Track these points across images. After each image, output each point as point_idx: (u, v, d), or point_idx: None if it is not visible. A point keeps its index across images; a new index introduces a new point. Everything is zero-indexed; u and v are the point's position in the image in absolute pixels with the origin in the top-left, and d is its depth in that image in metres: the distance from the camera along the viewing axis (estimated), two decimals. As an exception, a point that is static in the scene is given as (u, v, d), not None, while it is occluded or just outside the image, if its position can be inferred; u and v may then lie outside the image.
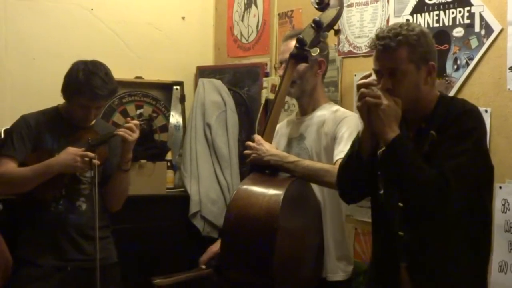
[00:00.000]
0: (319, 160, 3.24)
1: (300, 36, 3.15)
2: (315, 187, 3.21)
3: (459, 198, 2.44)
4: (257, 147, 3.11)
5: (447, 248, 2.53)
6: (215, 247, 3.42)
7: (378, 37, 2.54)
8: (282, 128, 3.49)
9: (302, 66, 3.26)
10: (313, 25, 3.14)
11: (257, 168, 3.09)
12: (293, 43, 3.26)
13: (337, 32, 3.20)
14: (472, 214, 2.54)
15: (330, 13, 3.14)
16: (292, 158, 3.11)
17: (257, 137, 3.16)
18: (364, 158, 2.62)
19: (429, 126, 2.54)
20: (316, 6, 3.17)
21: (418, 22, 3.43)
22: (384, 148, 2.50)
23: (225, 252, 2.88)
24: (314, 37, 3.15)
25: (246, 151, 3.16)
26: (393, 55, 2.50)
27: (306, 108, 3.38)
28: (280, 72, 3.35)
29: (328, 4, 3.13)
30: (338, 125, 3.23)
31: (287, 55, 3.27)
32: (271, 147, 3.14)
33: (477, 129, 2.50)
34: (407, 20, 3.48)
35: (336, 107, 3.40)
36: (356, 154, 2.64)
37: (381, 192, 2.66)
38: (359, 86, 2.52)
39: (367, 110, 2.50)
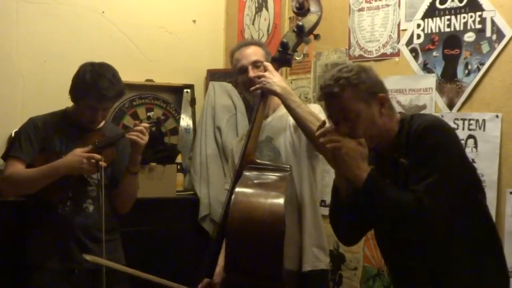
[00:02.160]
0: (293, 152, 3.29)
1: (284, 40, 3.19)
2: (298, 184, 3.26)
3: (445, 214, 2.43)
4: (268, 76, 3.13)
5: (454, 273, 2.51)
6: (215, 277, 3.36)
7: (322, 87, 2.59)
8: (242, 139, 3.48)
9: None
10: (295, 29, 3.18)
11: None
12: (249, 50, 3.33)
13: (317, 37, 3.21)
14: (468, 220, 2.52)
15: (312, 18, 3.17)
16: (296, 97, 3.13)
17: (269, 66, 3.18)
18: (346, 203, 2.65)
19: (400, 155, 2.54)
20: (296, 11, 3.21)
21: (429, 27, 3.43)
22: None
23: (230, 256, 2.86)
24: (297, 42, 3.19)
25: (256, 79, 3.18)
26: (340, 99, 2.52)
27: (267, 112, 3.36)
28: (252, 73, 3.30)
29: (308, 10, 3.17)
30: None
31: (252, 58, 3.31)
32: (281, 80, 3.17)
33: (440, 142, 2.45)
34: (418, 25, 3.48)
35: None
36: (339, 203, 2.69)
37: None
38: (317, 137, 2.56)
39: (333, 157, 2.52)
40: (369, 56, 3.83)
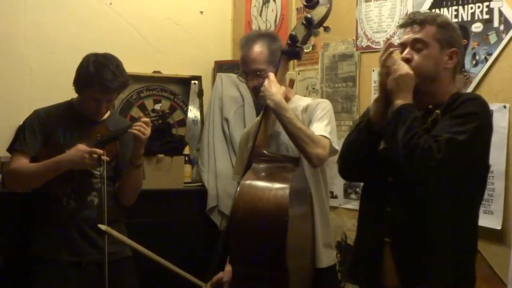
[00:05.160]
0: (296, 150, 3.27)
1: (293, 33, 3.17)
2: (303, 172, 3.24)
3: (446, 185, 2.50)
4: (265, 87, 3.13)
5: (431, 232, 2.55)
6: (224, 276, 3.34)
7: (412, 14, 2.71)
8: (250, 132, 3.50)
9: (270, 71, 3.27)
10: (304, 22, 3.16)
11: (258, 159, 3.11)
12: (253, 54, 3.30)
13: (327, 29, 3.20)
14: (459, 212, 2.55)
15: (321, 10, 3.16)
16: (290, 113, 3.10)
17: (271, 76, 3.17)
18: (373, 125, 2.65)
19: (436, 108, 2.58)
20: (305, 4, 3.20)
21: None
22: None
23: (234, 247, 2.88)
24: (306, 34, 3.17)
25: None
26: (420, 28, 2.61)
27: None
28: (251, 84, 3.34)
29: (317, 2, 3.16)
30: (314, 109, 3.27)
31: (253, 66, 3.29)
32: (279, 92, 3.14)
33: (480, 116, 2.50)
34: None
35: (306, 98, 3.47)
36: (367, 121, 2.68)
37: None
38: (381, 55, 2.63)
39: (386, 76, 2.58)
40: (377, 47, 3.82)
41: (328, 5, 3.17)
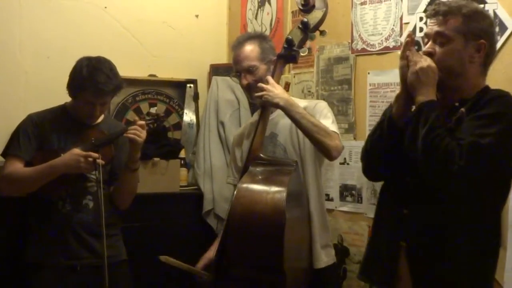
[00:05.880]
0: (295, 152, 3.32)
1: (289, 37, 3.20)
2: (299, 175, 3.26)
3: (467, 189, 2.37)
4: (269, 89, 3.14)
5: (449, 237, 2.45)
6: (211, 253, 3.43)
7: (436, 3, 2.57)
8: (244, 134, 3.54)
9: (262, 69, 3.34)
10: (300, 26, 3.19)
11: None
12: (244, 52, 3.35)
13: (323, 33, 3.22)
14: (479, 217, 2.45)
15: (317, 14, 3.18)
16: (301, 109, 3.13)
17: (270, 80, 3.19)
18: (396, 121, 2.56)
19: (462, 105, 2.47)
20: (301, 8, 3.22)
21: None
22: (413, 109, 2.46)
23: (231, 250, 2.88)
24: (302, 38, 3.20)
25: (257, 93, 3.17)
26: (443, 20, 2.49)
27: (272, 109, 3.35)
28: (244, 81, 3.37)
29: (313, 6, 3.18)
30: (314, 110, 3.28)
31: (245, 63, 3.34)
32: (283, 92, 3.18)
33: (508, 116, 2.37)
34: (421, 18, 3.47)
35: (302, 100, 3.48)
36: (389, 118, 2.59)
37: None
38: (403, 47, 2.55)
39: (407, 71, 2.49)
40: (372, 49, 3.82)
41: (324, 9, 3.20)
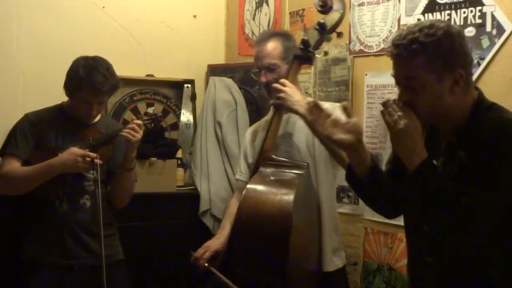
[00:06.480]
0: (310, 154, 3.27)
1: (305, 38, 3.17)
2: (314, 184, 3.25)
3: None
4: (289, 93, 3.09)
5: (466, 252, 2.29)
6: (213, 244, 3.41)
7: (393, 44, 2.27)
8: (257, 131, 3.51)
9: (283, 68, 3.29)
10: (317, 27, 3.16)
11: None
12: (266, 50, 3.30)
13: (340, 35, 3.20)
14: (497, 230, 2.24)
15: (334, 16, 3.16)
16: None
17: (287, 83, 3.13)
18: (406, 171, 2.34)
19: (459, 142, 2.28)
20: (319, 9, 3.19)
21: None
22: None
23: (236, 250, 2.88)
24: (318, 39, 3.17)
25: (277, 94, 3.12)
26: (408, 64, 2.24)
27: None
28: (263, 79, 3.33)
29: (331, 8, 3.15)
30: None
31: (267, 61, 3.29)
32: (303, 98, 3.13)
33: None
34: (418, 19, 3.46)
35: (321, 102, 3.37)
36: (397, 170, 2.47)
37: None
38: (382, 108, 2.32)
39: (389, 131, 2.28)
40: (370, 51, 3.83)
41: (342, 10, 3.16)
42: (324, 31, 3.15)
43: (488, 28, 3.16)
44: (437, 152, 2.35)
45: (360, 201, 3.82)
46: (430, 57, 2.21)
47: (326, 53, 3.89)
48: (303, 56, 3.19)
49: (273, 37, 3.38)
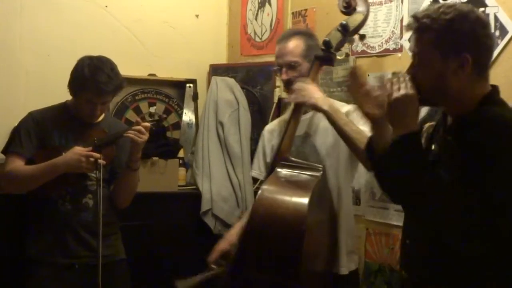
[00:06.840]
0: (331, 156, 3.24)
1: (327, 39, 3.10)
2: (335, 187, 3.23)
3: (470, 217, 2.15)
4: (311, 90, 3.04)
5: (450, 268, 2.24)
6: (223, 245, 3.40)
7: (412, 17, 2.34)
8: (275, 130, 3.49)
9: (304, 67, 3.24)
10: (339, 28, 3.09)
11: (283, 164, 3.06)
12: (288, 47, 3.26)
13: (362, 37, 3.16)
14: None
15: (357, 17, 3.09)
16: (343, 115, 3.02)
17: (310, 82, 3.09)
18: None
19: (456, 128, 2.30)
20: (343, 10, 3.12)
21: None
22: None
23: (248, 252, 2.84)
24: (340, 41, 3.11)
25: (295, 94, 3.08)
26: (418, 38, 2.30)
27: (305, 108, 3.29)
28: (284, 76, 3.28)
29: (354, 9, 3.09)
30: (352, 114, 3.10)
31: (288, 58, 3.26)
32: (325, 96, 3.10)
33: (503, 149, 2.12)
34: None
35: (340, 102, 3.35)
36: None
37: None
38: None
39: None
40: (372, 51, 3.83)
41: (366, 12, 3.10)
42: (346, 33, 3.09)
43: (491, 29, 3.15)
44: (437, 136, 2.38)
45: (362, 201, 3.83)
46: (439, 34, 2.24)
47: (347, 55, 3.85)
48: (324, 57, 3.12)
49: (296, 35, 3.33)
